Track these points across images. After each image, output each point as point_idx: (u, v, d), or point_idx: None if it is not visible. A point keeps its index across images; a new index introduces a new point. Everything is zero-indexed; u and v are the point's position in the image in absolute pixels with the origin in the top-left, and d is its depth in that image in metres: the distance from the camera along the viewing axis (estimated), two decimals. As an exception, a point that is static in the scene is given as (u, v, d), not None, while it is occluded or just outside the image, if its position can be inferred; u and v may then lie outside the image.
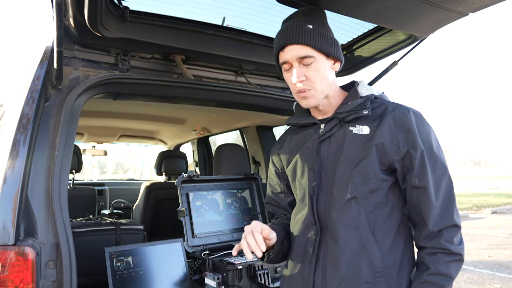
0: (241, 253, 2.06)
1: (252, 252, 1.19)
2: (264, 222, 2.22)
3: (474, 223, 10.48)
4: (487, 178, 37.91)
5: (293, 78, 1.22)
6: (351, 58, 2.10)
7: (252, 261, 1.90)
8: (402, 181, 1.20)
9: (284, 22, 1.30)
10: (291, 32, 1.21)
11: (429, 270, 1.12)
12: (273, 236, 1.25)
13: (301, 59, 1.21)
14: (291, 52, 1.21)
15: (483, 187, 24.65)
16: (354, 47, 2.04)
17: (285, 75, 1.28)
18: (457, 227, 1.15)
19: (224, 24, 1.80)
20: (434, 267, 1.12)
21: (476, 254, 6.80)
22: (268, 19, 1.76)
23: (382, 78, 2.03)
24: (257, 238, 1.16)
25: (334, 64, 1.28)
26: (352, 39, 2.01)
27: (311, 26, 1.21)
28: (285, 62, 1.24)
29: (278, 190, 1.47)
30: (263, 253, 1.31)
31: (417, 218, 1.18)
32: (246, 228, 1.20)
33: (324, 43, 1.21)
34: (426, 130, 1.20)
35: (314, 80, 1.22)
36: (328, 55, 1.24)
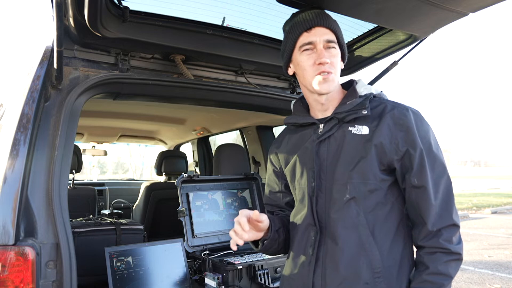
0: (241, 253, 2.06)
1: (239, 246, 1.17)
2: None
3: (474, 223, 10.48)
4: (487, 178, 37.90)
5: (322, 56, 1.21)
6: (351, 58, 2.10)
7: (252, 261, 1.90)
8: (402, 180, 1.20)
9: (297, 14, 1.31)
10: (320, 16, 1.25)
11: (428, 269, 1.12)
12: (263, 219, 1.21)
13: (328, 43, 1.24)
14: (319, 34, 1.24)
15: (483, 187, 24.64)
16: (354, 47, 2.04)
17: (304, 57, 1.25)
18: (456, 226, 1.15)
19: (224, 24, 1.80)
20: (433, 267, 1.12)
21: (476, 254, 6.80)
22: (268, 19, 1.76)
23: (382, 78, 2.03)
24: (241, 221, 1.15)
25: (340, 61, 1.31)
26: (352, 39, 2.01)
27: (334, 19, 1.27)
28: (310, 43, 1.24)
29: (277, 189, 1.46)
30: (258, 240, 1.31)
31: (416, 217, 1.18)
32: (235, 219, 1.18)
33: (342, 37, 1.28)
34: (425, 129, 1.20)
35: (336, 65, 1.25)
36: (342, 50, 1.29)
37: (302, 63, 1.26)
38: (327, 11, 1.36)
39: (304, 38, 1.25)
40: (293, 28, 1.27)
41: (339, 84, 1.33)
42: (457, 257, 1.13)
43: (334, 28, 1.25)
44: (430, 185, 1.14)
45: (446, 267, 1.11)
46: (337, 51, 1.26)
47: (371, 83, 2.02)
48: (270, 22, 1.76)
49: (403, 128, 1.17)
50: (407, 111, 1.20)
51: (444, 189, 1.16)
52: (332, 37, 1.25)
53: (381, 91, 1.32)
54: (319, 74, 1.22)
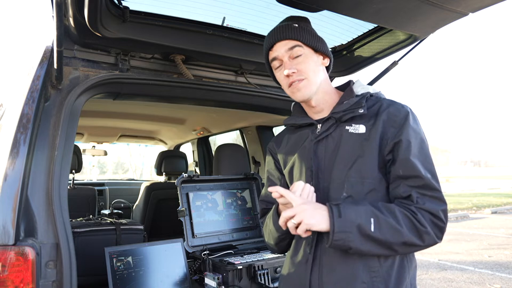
0: (241, 253, 2.06)
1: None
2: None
3: (474, 223, 10.48)
4: (487, 178, 37.91)
5: (285, 70, 1.24)
6: (351, 58, 2.10)
7: (252, 261, 1.90)
8: (388, 173, 1.18)
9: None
10: (278, 31, 1.27)
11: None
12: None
13: (290, 50, 1.25)
14: (280, 48, 1.26)
15: (483, 187, 24.66)
16: (354, 47, 2.04)
17: (277, 74, 1.31)
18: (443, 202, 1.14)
19: (224, 24, 1.80)
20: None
21: (476, 254, 6.80)
22: (268, 19, 1.76)
23: (382, 78, 2.03)
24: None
25: (323, 59, 1.31)
26: (352, 39, 2.02)
27: (296, 25, 1.27)
28: (274, 59, 1.28)
29: (278, 184, 1.44)
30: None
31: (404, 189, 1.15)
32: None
33: (310, 37, 1.27)
34: (415, 127, 1.19)
35: (306, 71, 1.25)
36: (315, 50, 1.28)
37: (278, 79, 1.32)
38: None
39: (270, 56, 1.30)
40: (264, 48, 1.32)
41: (332, 85, 1.34)
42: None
43: (294, 36, 1.25)
44: (420, 171, 1.13)
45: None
46: (305, 57, 1.25)
47: (371, 83, 2.02)
48: (270, 22, 1.76)
49: (395, 125, 1.18)
50: (402, 107, 1.21)
51: (431, 169, 1.15)
52: (293, 43, 1.25)
53: (379, 91, 1.32)
54: (289, 86, 1.27)
